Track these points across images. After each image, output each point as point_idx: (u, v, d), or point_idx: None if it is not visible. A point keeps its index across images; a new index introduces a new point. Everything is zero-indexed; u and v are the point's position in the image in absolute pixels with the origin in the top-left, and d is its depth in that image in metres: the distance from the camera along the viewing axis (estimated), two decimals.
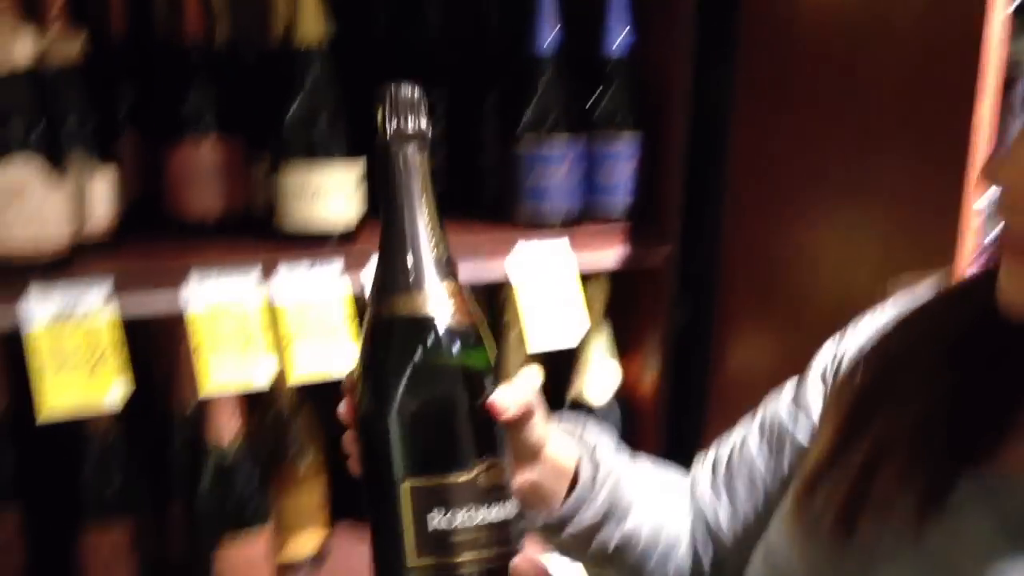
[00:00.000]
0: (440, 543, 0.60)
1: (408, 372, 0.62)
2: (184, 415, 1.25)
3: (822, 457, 0.72)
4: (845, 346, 0.82)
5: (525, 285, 1.30)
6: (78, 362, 1.05)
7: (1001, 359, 0.65)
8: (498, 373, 0.66)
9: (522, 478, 0.76)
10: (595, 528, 0.81)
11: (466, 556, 0.60)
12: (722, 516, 0.87)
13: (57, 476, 1.26)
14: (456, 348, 0.63)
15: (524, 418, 0.71)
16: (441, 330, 0.62)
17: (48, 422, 1.02)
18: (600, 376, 1.47)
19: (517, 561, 0.61)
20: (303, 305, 1.16)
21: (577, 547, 0.83)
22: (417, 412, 0.61)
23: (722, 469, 0.88)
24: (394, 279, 0.64)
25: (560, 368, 1.50)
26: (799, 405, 0.83)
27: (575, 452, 0.81)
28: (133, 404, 1.24)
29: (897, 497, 0.65)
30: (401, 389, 0.62)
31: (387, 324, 0.64)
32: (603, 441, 0.84)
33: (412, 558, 0.60)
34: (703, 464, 0.91)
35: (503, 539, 0.62)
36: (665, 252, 1.44)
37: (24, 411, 1.21)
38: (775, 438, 0.84)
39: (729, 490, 0.87)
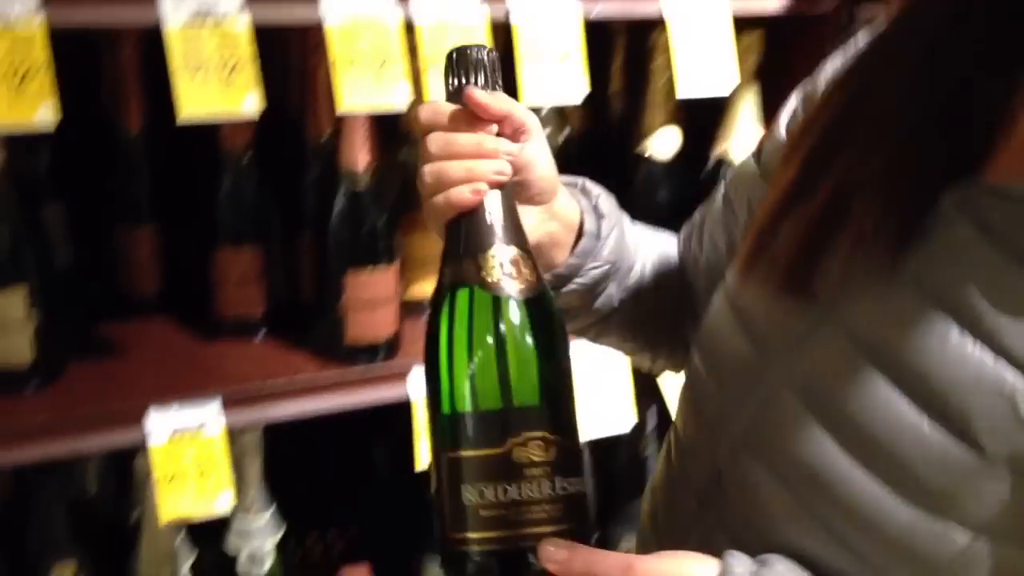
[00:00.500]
0: (473, 518, 0.58)
1: (455, 346, 0.60)
2: (319, 142, 1.23)
3: (786, 191, 0.67)
4: (811, 90, 0.76)
5: (678, 26, 1.21)
6: (214, 67, 1.02)
7: (987, 54, 0.60)
8: (560, 339, 0.62)
9: (537, 230, 0.73)
10: (602, 279, 0.79)
11: (498, 532, 0.57)
12: (696, 266, 0.86)
13: (193, 198, 1.27)
14: (510, 325, 0.60)
15: (515, 135, 0.67)
16: (498, 304, 0.60)
17: (187, 122, 1.01)
18: (747, 137, 1.39)
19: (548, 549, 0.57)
20: (442, 27, 1.10)
21: (583, 302, 0.80)
22: (461, 388, 0.59)
23: (697, 225, 0.87)
24: (458, 243, 0.62)
25: (704, 128, 1.42)
26: (762, 153, 0.80)
27: (579, 205, 0.78)
28: (267, 130, 1.23)
29: (872, 224, 0.61)
30: (449, 362, 0.60)
31: (447, 290, 0.62)
32: (605, 195, 0.81)
33: (450, 528, 0.59)
34: (686, 226, 0.90)
35: (539, 519, 0.57)
36: (831, 4, 1.32)
37: (163, 131, 1.21)
38: (738, 188, 0.82)
39: (699, 242, 0.86)
